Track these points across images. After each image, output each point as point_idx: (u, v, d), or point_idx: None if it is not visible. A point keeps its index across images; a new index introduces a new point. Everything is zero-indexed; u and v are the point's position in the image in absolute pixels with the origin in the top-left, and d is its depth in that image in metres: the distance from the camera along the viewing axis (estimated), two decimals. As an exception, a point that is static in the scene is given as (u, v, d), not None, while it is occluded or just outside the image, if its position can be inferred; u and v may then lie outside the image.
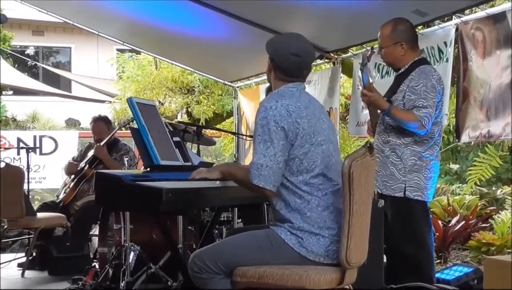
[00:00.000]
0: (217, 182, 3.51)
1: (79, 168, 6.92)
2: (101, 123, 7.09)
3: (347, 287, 3.20)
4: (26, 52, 21.66)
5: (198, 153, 5.49)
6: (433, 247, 4.46)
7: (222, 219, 5.29)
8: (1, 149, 9.73)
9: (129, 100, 3.86)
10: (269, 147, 3.08)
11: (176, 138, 4.12)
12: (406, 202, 4.34)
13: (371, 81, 4.52)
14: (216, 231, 5.14)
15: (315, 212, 3.12)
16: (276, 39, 3.44)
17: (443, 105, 4.49)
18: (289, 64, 3.28)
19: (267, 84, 6.51)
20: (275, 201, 3.20)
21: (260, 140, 3.12)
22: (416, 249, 4.34)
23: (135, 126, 3.86)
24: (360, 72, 4.59)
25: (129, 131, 10.87)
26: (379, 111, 4.57)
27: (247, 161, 8.61)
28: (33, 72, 21.08)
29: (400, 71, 4.50)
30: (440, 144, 4.54)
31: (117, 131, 7.01)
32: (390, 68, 5.71)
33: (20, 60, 19.25)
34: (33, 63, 21.25)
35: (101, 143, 6.79)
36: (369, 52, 4.56)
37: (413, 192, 4.31)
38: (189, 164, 4.09)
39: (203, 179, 3.44)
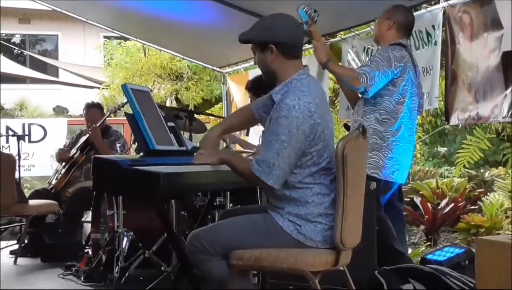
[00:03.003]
0: (209, 166, 3.51)
1: (70, 155, 6.91)
2: (95, 110, 7.06)
3: (341, 268, 3.25)
4: (12, 41, 21.50)
5: (190, 138, 5.51)
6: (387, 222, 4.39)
7: (215, 203, 5.32)
8: (-10, 137, 9.66)
9: (124, 87, 3.88)
10: (285, 148, 3.03)
11: (171, 124, 4.14)
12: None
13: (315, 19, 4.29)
14: (209, 216, 5.17)
15: (315, 199, 3.13)
16: (267, 24, 3.22)
17: (408, 87, 4.40)
18: (297, 39, 3.25)
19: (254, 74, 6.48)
20: (275, 190, 3.16)
21: (277, 139, 3.04)
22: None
23: (130, 112, 3.88)
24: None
25: (118, 118, 10.86)
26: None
27: (238, 147, 8.60)
28: (19, 60, 20.92)
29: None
30: (411, 126, 4.50)
31: (107, 118, 6.99)
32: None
33: (6, 49, 19.10)
34: (19, 52, 21.10)
35: (97, 124, 6.68)
36: None
37: (370, 169, 4.30)
38: (184, 148, 4.12)
39: (204, 163, 3.37)
